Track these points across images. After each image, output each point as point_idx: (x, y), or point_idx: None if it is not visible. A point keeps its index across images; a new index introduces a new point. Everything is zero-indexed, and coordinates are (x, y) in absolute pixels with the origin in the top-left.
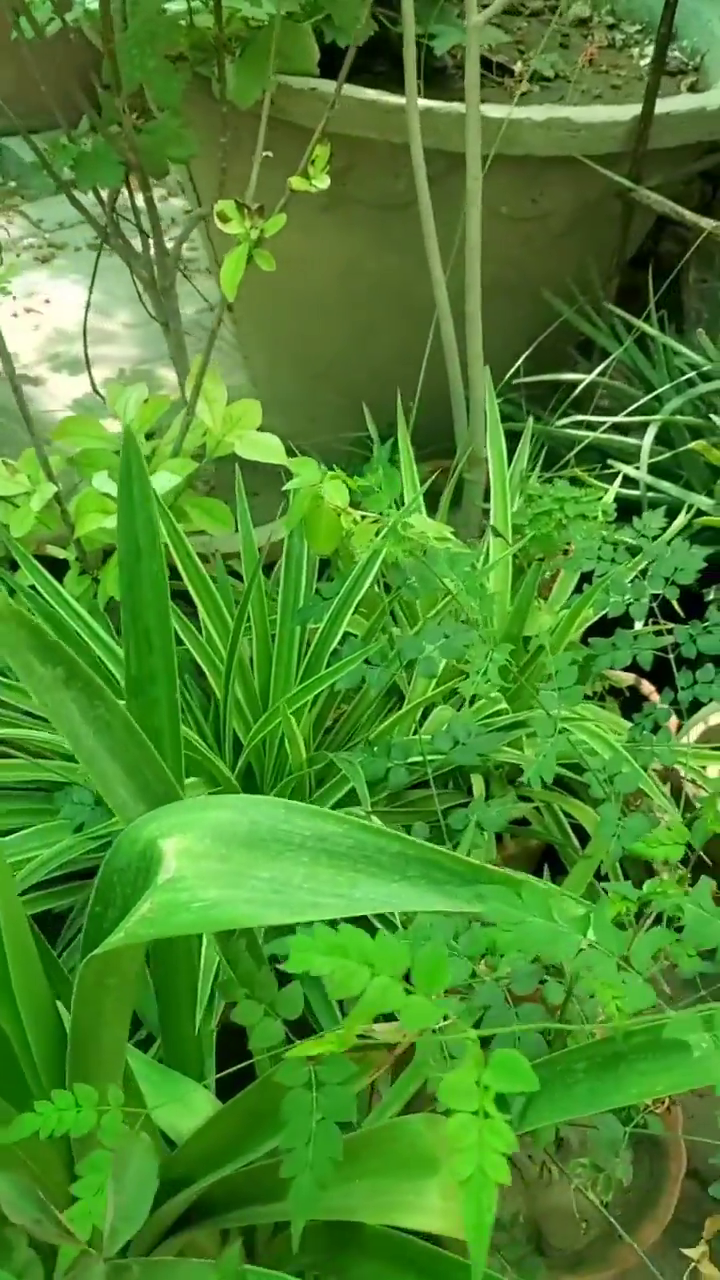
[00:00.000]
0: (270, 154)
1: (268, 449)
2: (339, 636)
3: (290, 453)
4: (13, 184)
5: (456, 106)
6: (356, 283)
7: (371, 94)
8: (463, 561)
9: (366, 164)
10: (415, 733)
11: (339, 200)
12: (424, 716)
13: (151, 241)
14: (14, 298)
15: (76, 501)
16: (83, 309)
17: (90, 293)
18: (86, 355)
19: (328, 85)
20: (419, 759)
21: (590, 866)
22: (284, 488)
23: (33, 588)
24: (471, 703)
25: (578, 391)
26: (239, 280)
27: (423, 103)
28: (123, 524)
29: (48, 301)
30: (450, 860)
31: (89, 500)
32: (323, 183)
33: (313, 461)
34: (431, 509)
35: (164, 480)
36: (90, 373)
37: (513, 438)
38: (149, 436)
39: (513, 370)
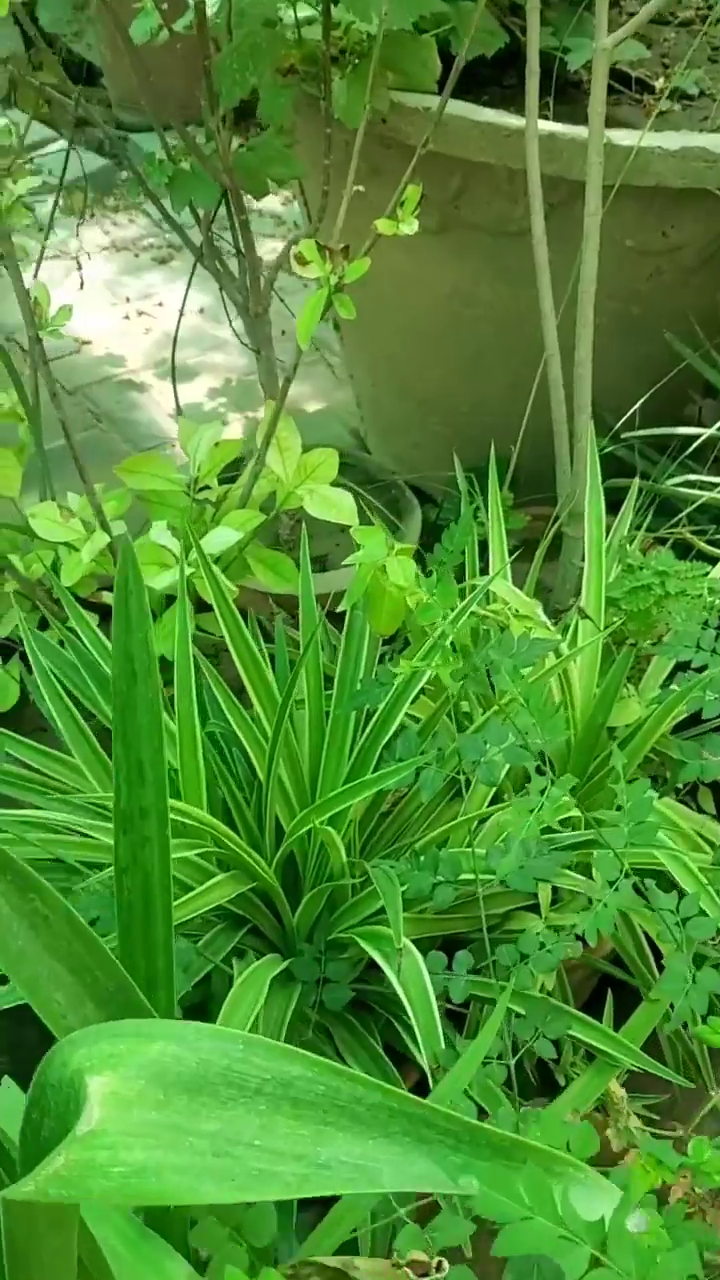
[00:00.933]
0: (379, 175)
1: (339, 508)
2: (396, 723)
3: (380, 494)
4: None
5: (580, 132)
6: (466, 311)
7: (489, 115)
8: (537, 650)
9: (482, 188)
10: (474, 836)
11: (451, 224)
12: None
13: (246, 265)
14: (128, 299)
15: (143, 550)
16: (197, 314)
17: (182, 309)
18: (174, 368)
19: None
20: (469, 876)
21: (655, 1014)
22: (345, 562)
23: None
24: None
25: (699, 443)
26: (314, 326)
27: (544, 127)
28: (117, 645)
29: (161, 304)
30: (442, 1118)
31: (145, 552)
32: (411, 228)
33: (379, 533)
34: (528, 557)
35: (220, 539)
36: (175, 392)
37: (622, 490)
38: (225, 479)
39: (627, 416)
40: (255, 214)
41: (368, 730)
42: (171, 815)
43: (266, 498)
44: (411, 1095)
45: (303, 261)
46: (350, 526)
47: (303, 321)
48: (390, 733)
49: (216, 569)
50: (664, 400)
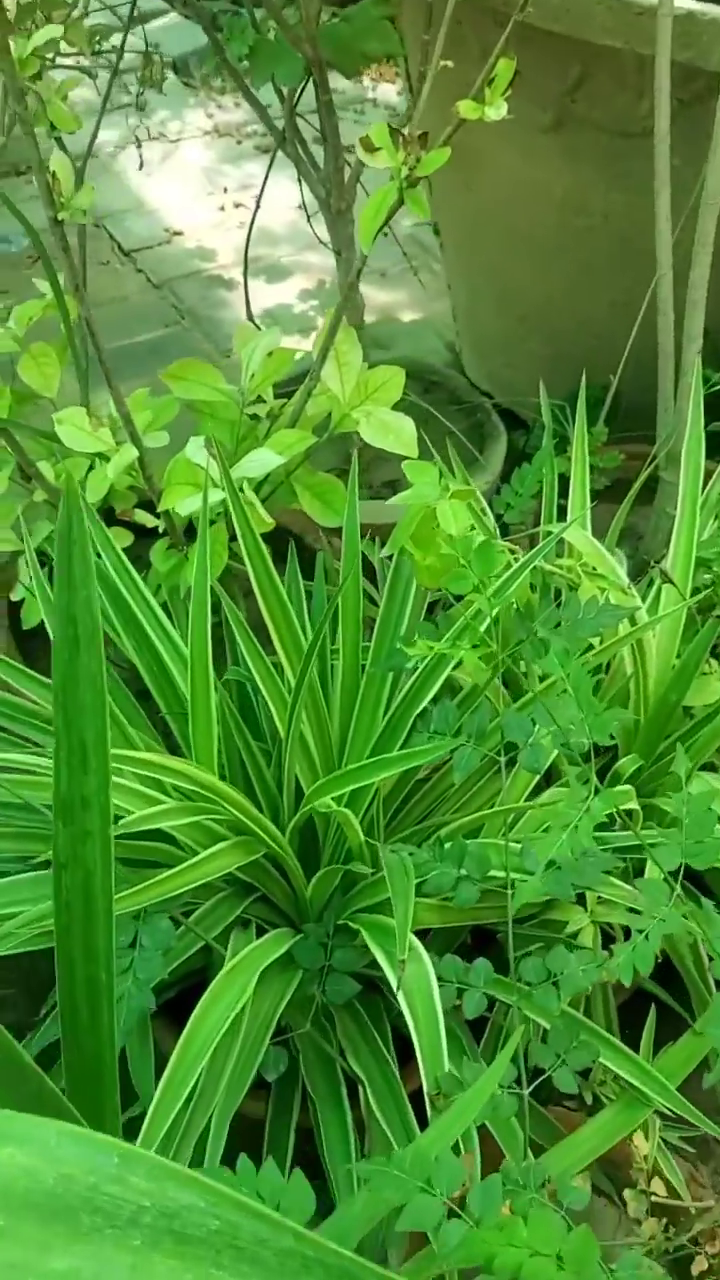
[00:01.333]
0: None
1: (397, 435)
2: (437, 686)
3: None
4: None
5: None
6: (576, 220)
7: None
8: (606, 620)
9: (604, 78)
10: (511, 826)
11: (567, 120)
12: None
13: (330, 154)
14: (225, 189)
15: (168, 469)
16: (295, 209)
17: (259, 199)
18: (246, 264)
19: None
20: (500, 874)
21: (700, 1049)
22: (390, 500)
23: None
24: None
25: None
26: (379, 225)
27: (681, 3)
28: (58, 606)
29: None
30: (372, 1276)
31: (179, 470)
32: (498, 111)
33: (432, 469)
34: (617, 499)
35: (258, 462)
36: (249, 303)
37: None
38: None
39: None
40: (369, 103)
41: (406, 690)
42: (177, 777)
43: (325, 418)
44: (333, 1246)
45: (370, 149)
46: (407, 458)
47: (366, 218)
48: (429, 696)
49: (251, 494)
50: None
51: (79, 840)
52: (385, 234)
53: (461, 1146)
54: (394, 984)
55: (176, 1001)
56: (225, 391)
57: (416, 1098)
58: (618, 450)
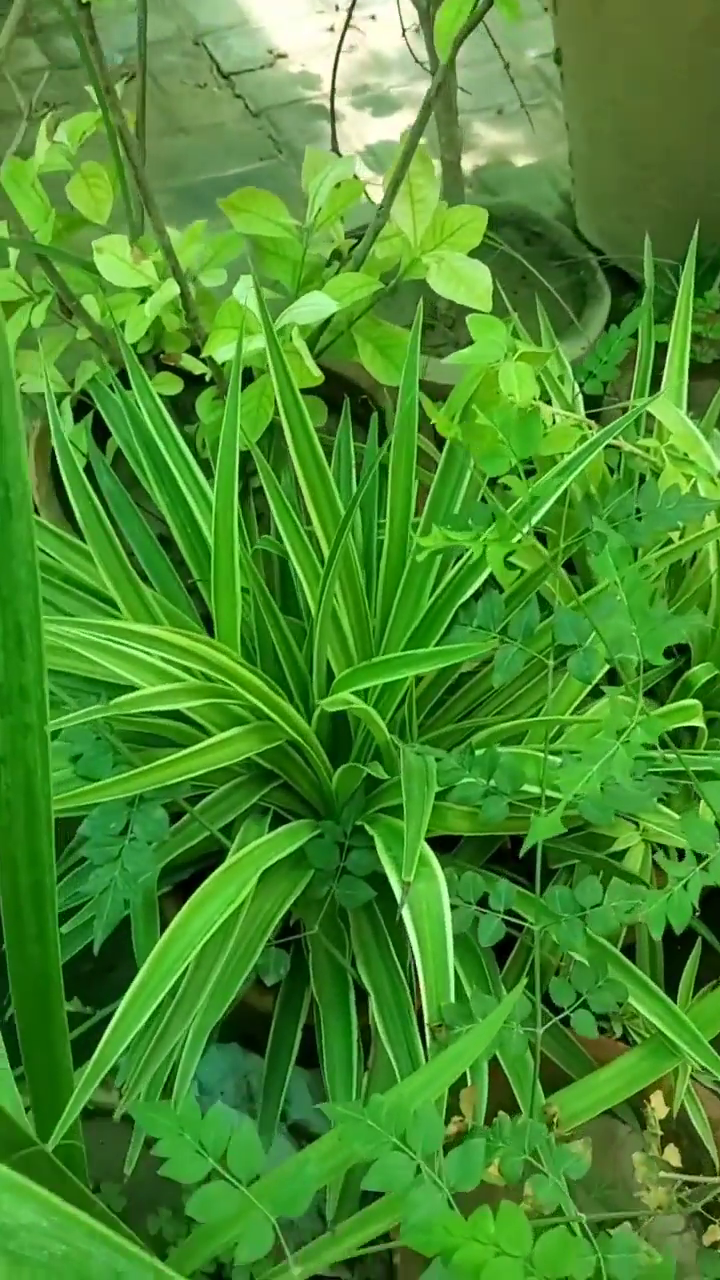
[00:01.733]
0: None
1: (470, 286)
2: (483, 577)
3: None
4: None
5: None
6: (714, 50)
7: None
8: (686, 513)
9: None
10: (557, 735)
11: None
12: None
13: None
14: (336, 7)
15: (219, 311)
16: (414, 32)
17: (348, 19)
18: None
19: None
20: (534, 791)
21: None
22: (447, 359)
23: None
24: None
25: None
26: (456, 30)
27: None
28: None
29: (373, 18)
30: None
31: (227, 313)
32: None
33: (499, 326)
34: None
35: (312, 306)
36: (334, 132)
37: None
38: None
39: None
40: None
41: (450, 577)
42: (184, 654)
43: (397, 262)
44: None
45: None
46: (479, 312)
47: (445, 20)
48: (476, 585)
49: (299, 343)
50: None
51: (18, 733)
52: (506, 66)
53: (469, 1078)
54: (399, 901)
55: (191, 884)
56: (288, 227)
57: None
58: None
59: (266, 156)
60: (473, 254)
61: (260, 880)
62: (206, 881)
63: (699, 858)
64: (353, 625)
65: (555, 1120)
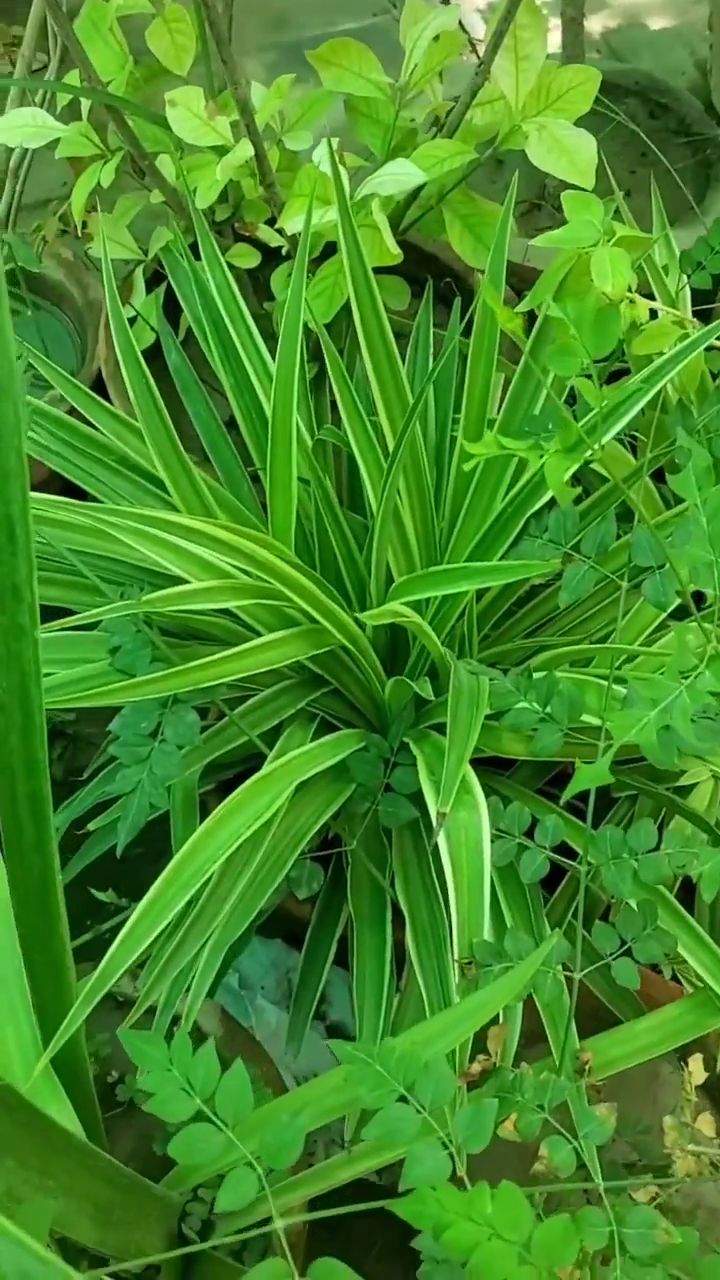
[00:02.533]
0: None
1: (572, 158)
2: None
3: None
4: None
5: None
6: None
7: None
8: None
9: None
10: (623, 663)
11: None
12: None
13: None
14: None
15: (296, 178)
16: None
17: None
18: None
19: None
20: (595, 721)
21: None
22: (534, 240)
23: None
24: None
25: None
26: None
27: None
28: None
29: None
30: None
31: (304, 179)
32: None
33: (595, 205)
34: None
35: (395, 176)
36: None
37: None
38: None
39: None
40: None
41: (523, 483)
42: (238, 551)
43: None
44: None
45: None
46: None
47: None
48: (548, 495)
49: (380, 216)
50: None
51: (11, 636)
52: None
53: (501, 1016)
54: (435, 830)
55: (234, 783)
56: (380, 85)
57: None
58: None
59: (381, 12)
60: (585, 124)
61: (298, 790)
62: (237, 792)
63: None
64: (417, 527)
65: (588, 1067)
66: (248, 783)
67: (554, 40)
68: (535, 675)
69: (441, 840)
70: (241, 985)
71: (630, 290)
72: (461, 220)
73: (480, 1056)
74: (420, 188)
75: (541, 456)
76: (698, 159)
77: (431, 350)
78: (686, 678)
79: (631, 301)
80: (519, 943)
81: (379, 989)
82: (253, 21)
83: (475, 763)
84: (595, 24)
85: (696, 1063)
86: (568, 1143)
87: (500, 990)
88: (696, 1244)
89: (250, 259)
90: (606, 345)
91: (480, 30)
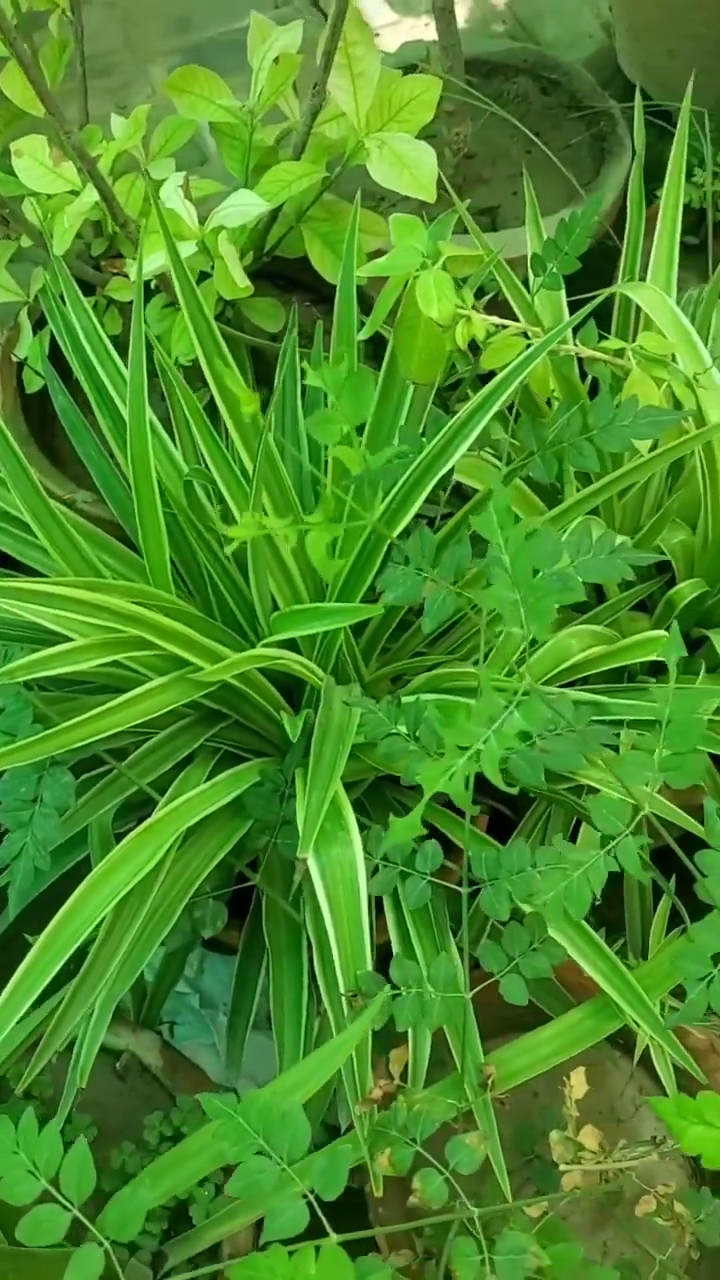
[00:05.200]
0: None
1: (414, 172)
2: (416, 506)
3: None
4: None
5: None
6: None
7: None
8: (643, 432)
9: None
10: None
11: None
12: None
13: None
14: None
15: (151, 214)
16: None
17: None
18: None
19: None
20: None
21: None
22: (361, 270)
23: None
24: None
25: None
26: None
27: None
28: None
29: None
30: None
31: (158, 214)
32: None
33: (419, 227)
34: None
35: (238, 207)
36: None
37: None
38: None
39: None
40: None
41: (392, 497)
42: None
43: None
44: None
45: None
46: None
47: None
48: (410, 513)
49: (226, 247)
50: None
51: None
52: None
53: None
54: (297, 875)
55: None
56: (232, 109)
57: (385, 951)
58: None
59: (283, 3)
60: (458, 116)
61: (192, 833)
62: (120, 846)
63: (605, 840)
64: (297, 554)
65: (491, 1081)
66: (130, 836)
67: (430, 33)
68: (404, 700)
69: (316, 880)
70: (203, 1004)
71: (475, 304)
72: (321, 238)
73: (381, 1082)
74: (280, 206)
75: (304, 532)
76: (591, 133)
77: (298, 375)
78: (495, 722)
79: (465, 319)
80: (405, 970)
81: (297, 1015)
82: (154, 25)
83: (380, 779)
84: None
85: (579, 1076)
86: (439, 1174)
87: (350, 1035)
88: (581, 1257)
89: (129, 292)
90: (363, 411)
91: (388, 15)
